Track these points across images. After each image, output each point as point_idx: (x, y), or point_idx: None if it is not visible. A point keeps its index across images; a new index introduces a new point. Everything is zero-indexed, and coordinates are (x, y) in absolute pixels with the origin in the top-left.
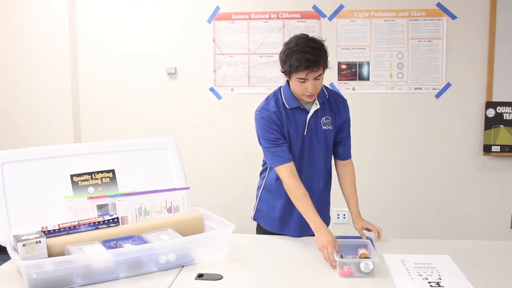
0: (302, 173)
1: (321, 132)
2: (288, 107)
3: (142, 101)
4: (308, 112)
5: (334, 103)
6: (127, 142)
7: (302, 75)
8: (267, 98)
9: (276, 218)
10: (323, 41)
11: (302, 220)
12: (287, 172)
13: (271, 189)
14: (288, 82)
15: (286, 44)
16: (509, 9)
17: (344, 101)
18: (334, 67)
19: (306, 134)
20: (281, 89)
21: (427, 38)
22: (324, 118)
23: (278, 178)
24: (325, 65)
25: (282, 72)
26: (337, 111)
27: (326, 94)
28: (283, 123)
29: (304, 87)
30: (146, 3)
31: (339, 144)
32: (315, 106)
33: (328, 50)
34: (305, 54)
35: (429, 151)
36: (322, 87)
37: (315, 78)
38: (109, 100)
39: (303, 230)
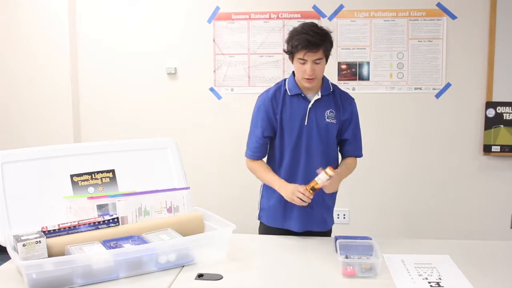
0: (299, 165)
1: (323, 124)
2: (289, 94)
3: (142, 101)
4: (309, 102)
5: (339, 99)
6: (127, 142)
7: (301, 55)
8: (270, 88)
9: (278, 212)
10: (330, 32)
11: (303, 213)
12: (250, 163)
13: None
14: (293, 73)
15: (294, 28)
16: (509, 9)
17: (351, 99)
18: (334, 67)
19: (307, 124)
20: (286, 79)
21: (427, 38)
22: (328, 111)
23: (276, 168)
24: (326, 51)
25: (286, 52)
26: (342, 107)
27: (331, 88)
28: (276, 110)
29: (303, 69)
30: (146, 3)
31: (345, 143)
32: (317, 96)
33: (333, 42)
34: (306, 35)
35: (429, 151)
36: (328, 82)
37: (315, 62)
38: (109, 100)
39: (305, 223)
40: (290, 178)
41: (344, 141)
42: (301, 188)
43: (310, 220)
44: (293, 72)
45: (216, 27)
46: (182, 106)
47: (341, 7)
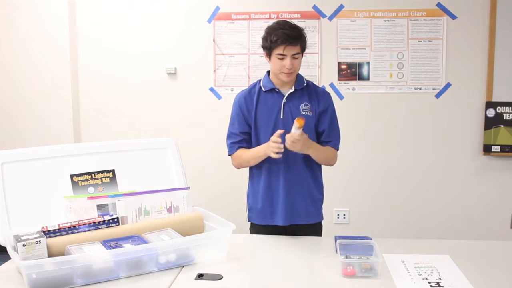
0: (279, 160)
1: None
2: (263, 90)
3: (142, 101)
4: (283, 96)
5: (314, 92)
6: (127, 142)
7: (280, 49)
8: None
9: (262, 208)
10: (303, 29)
11: (288, 207)
12: (233, 159)
13: (253, 182)
14: (267, 73)
15: (268, 26)
16: (509, 9)
17: (325, 92)
18: (334, 67)
19: (283, 118)
20: (261, 78)
21: (427, 38)
22: (303, 104)
23: (256, 169)
24: (303, 45)
25: (263, 48)
26: (317, 99)
27: (305, 82)
28: (250, 107)
29: (282, 64)
30: (146, 3)
31: (323, 134)
32: (291, 90)
33: (307, 38)
34: (284, 30)
35: (429, 151)
36: (302, 78)
37: (293, 56)
38: (109, 100)
39: (290, 217)
40: (272, 173)
41: (321, 133)
42: (272, 138)
43: (294, 213)
44: (268, 72)
45: (216, 27)
46: (182, 106)
47: (341, 7)
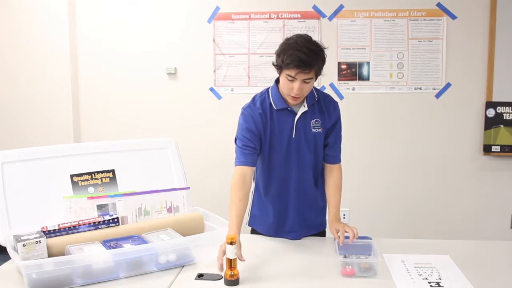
0: (291, 177)
1: (310, 135)
2: (275, 108)
3: (142, 101)
4: (295, 114)
5: (324, 106)
6: (127, 142)
7: (291, 72)
8: (253, 99)
9: (271, 223)
10: (325, 48)
11: (297, 222)
12: (237, 174)
13: (262, 193)
14: (276, 83)
15: (287, 39)
16: (509, 9)
17: (335, 104)
18: (334, 67)
19: (295, 137)
20: (269, 90)
21: (427, 38)
22: (314, 120)
23: (267, 181)
24: (318, 71)
25: (274, 65)
26: (327, 114)
27: (316, 96)
28: (265, 125)
29: (291, 86)
30: (146, 3)
31: (327, 147)
32: (303, 108)
33: (326, 58)
34: (300, 53)
35: (429, 151)
36: (313, 92)
37: (304, 81)
38: (109, 100)
39: (300, 232)
40: (282, 191)
41: (325, 146)
42: (221, 249)
43: (304, 228)
44: (276, 81)
45: (216, 27)
46: (182, 106)
47: (341, 7)
